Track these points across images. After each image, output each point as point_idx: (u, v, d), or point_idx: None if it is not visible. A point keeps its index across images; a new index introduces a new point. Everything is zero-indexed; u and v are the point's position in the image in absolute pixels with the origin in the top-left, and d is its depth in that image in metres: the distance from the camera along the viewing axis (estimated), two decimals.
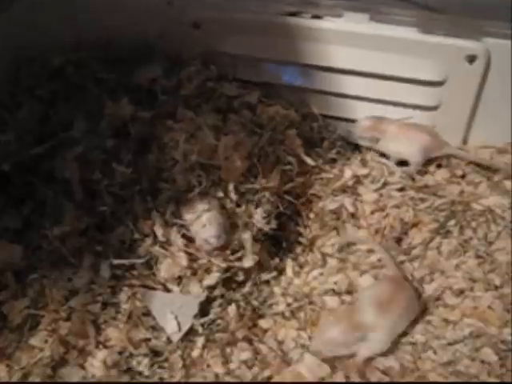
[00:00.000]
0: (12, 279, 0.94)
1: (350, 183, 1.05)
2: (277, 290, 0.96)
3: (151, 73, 1.10)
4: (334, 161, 1.09)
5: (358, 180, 1.06)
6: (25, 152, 1.00)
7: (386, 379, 0.83)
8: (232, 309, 0.92)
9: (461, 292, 0.91)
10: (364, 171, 1.07)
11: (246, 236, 0.93)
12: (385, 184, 1.04)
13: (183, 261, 0.91)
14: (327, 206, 1.02)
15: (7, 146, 1.00)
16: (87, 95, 1.07)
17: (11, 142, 1.00)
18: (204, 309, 0.91)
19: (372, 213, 1.00)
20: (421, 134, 1.05)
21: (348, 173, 1.06)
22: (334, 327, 0.85)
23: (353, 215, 1.01)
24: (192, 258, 0.92)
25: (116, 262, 0.92)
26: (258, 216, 0.95)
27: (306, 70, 1.09)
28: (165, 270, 0.92)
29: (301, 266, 0.99)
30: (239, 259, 0.93)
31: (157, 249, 0.93)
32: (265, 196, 0.97)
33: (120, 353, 0.87)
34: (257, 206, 0.96)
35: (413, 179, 1.04)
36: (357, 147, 1.12)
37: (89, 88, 1.07)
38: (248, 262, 0.93)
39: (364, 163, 1.09)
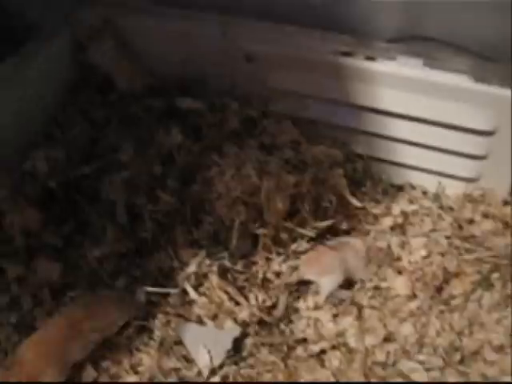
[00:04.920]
0: (48, 296, 0.95)
1: (399, 220, 1.04)
2: (309, 331, 0.94)
3: (197, 104, 1.12)
4: (379, 201, 1.08)
5: (406, 217, 1.05)
6: (72, 171, 1.02)
7: None
8: (264, 352, 0.91)
9: (501, 348, 0.89)
10: (413, 207, 1.06)
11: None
12: (433, 229, 1.03)
13: (220, 299, 0.92)
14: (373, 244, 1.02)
15: (55, 162, 1.02)
16: (136, 121, 1.09)
17: (59, 160, 1.02)
18: (237, 345, 0.90)
19: (417, 258, 0.99)
20: None
21: (396, 209, 1.05)
22: None
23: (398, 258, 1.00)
24: (230, 297, 0.93)
25: (151, 289, 0.93)
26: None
27: (354, 110, 1.08)
28: (200, 305, 0.92)
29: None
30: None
31: (193, 281, 0.94)
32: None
33: (150, 380, 0.87)
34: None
35: (460, 227, 1.03)
36: (402, 188, 1.11)
37: (138, 114, 1.09)
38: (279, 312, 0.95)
39: (412, 201, 1.08)
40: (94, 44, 1.13)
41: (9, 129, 1.03)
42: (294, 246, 0.98)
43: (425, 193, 1.11)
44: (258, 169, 0.99)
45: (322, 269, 0.97)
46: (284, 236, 0.97)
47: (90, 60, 1.14)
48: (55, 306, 0.93)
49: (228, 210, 0.96)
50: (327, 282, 0.97)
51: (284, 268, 0.96)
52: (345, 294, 0.97)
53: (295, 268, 0.97)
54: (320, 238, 0.99)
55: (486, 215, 1.04)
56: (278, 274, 0.96)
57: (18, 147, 1.04)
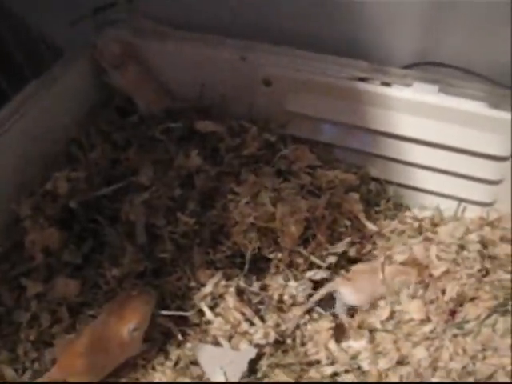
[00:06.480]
0: (66, 314, 0.96)
1: (416, 225, 1.06)
2: (322, 355, 0.95)
3: (216, 127, 1.13)
4: (393, 216, 1.10)
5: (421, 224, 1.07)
6: (93, 191, 1.04)
7: None
8: (278, 373, 0.92)
9: None
10: (427, 213, 1.09)
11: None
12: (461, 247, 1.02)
13: (236, 320, 0.94)
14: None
15: (77, 183, 1.04)
16: (156, 143, 1.11)
17: (81, 181, 1.04)
18: (252, 366, 0.91)
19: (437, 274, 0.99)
20: None
21: (409, 216, 1.09)
22: None
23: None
24: (246, 318, 0.94)
25: (167, 312, 0.94)
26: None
27: (370, 134, 1.10)
28: (216, 325, 0.94)
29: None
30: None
31: (209, 302, 0.95)
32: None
33: None
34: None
35: (485, 247, 1.02)
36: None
37: (158, 137, 1.12)
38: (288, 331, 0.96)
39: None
40: (115, 67, 1.16)
41: (31, 149, 1.05)
42: (310, 274, 0.99)
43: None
44: (273, 196, 1.01)
45: (356, 289, 0.99)
46: (300, 261, 0.98)
47: (111, 82, 1.17)
48: (73, 324, 0.95)
49: (243, 236, 0.98)
50: (350, 299, 0.99)
51: (299, 291, 0.98)
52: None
53: (310, 293, 0.98)
54: (337, 263, 1.01)
55: (503, 239, 1.05)
56: (293, 297, 0.98)
57: (41, 167, 1.06)
